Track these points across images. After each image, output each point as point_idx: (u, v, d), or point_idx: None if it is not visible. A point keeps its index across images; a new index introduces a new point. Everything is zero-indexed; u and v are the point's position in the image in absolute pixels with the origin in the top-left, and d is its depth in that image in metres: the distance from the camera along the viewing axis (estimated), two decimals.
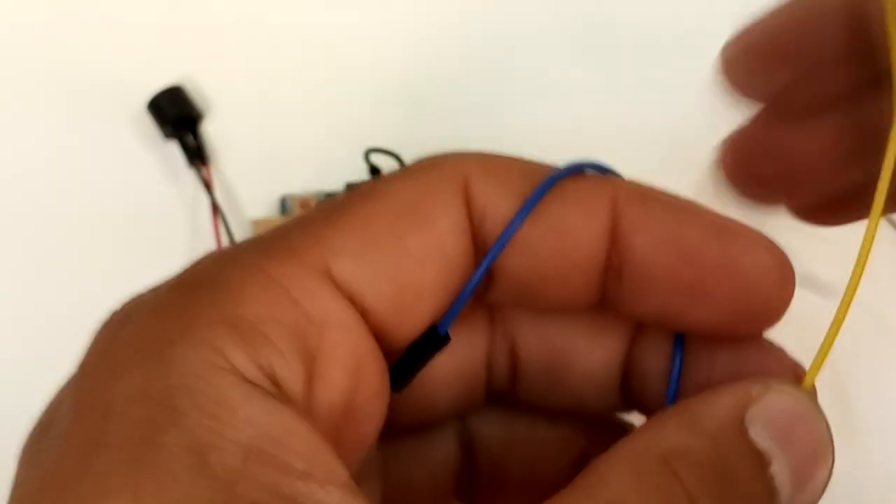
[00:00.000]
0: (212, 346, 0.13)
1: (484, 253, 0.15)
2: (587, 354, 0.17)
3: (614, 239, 0.15)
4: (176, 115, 0.37)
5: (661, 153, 0.38)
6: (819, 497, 0.15)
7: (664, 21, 0.39)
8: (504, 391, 0.18)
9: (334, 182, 0.37)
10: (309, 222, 0.15)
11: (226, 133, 0.38)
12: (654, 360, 0.17)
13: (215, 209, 0.36)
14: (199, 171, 0.37)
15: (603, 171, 0.16)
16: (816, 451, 0.14)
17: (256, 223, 0.35)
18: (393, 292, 0.14)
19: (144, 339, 0.13)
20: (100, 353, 0.14)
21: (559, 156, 0.36)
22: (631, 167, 0.18)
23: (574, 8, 0.40)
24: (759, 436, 0.14)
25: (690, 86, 0.38)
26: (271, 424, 0.13)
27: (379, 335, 0.15)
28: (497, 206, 0.15)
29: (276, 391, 0.13)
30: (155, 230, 0.37)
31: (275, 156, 0.38)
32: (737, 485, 0.14)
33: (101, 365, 0.13)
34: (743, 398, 0.14)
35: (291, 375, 0.13)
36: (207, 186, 0.37)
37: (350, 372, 0.14)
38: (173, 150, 0.38)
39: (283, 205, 0.37)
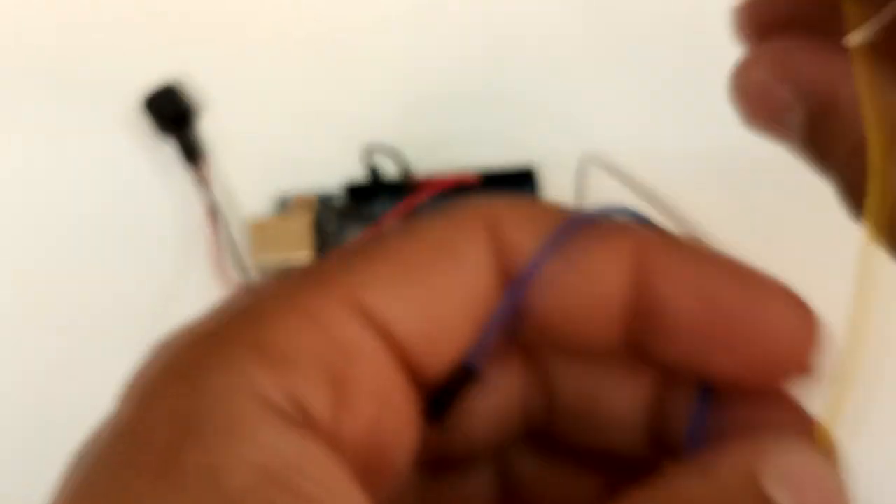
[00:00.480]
0: (239, 371, 0.13)
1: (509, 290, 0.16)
2: (616, 397, 0.17)
3: (640, 284, 0.16)
4: (172, 112, 0.37)
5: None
6: None
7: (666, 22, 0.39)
8: (540, 429, 0.18)
9: (333, 180, 0.37)
10: (342, 256, 0.15)
11: (222, 131, 0.38)
12: (681, 405, 0.17)
13: (211, 207, 0.36)
14: (195, 169, 0.37)
15: (633, 217, 0.17)
16: None
17: (253, 221, 0.35)
18: (422, 325, 0.15)
19: (178, 364, 0.14)
20: (138, 379, 0.14)
21: (558, 156, 0.36)
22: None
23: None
24: (773, 490, 0.14)
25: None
26: (290, 449, 0.13)
27: (409, 368, 0.15)
28: (524, 246, 0.16)
29: (302, 417, 0.14)
30: (150, 228, 0.37)
31: (272, 153, 0.38)
32: None
33: (138, 389, 0.14)
34: (757, 452, 0.14)
35: (318, 402, 0.14)
36: (204, 185, 0.36)
37: (378, 402, 0.15)
38: (169, 148, 0.38)
39: (281, 203, 0.36)
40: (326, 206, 0.36)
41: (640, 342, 0.16)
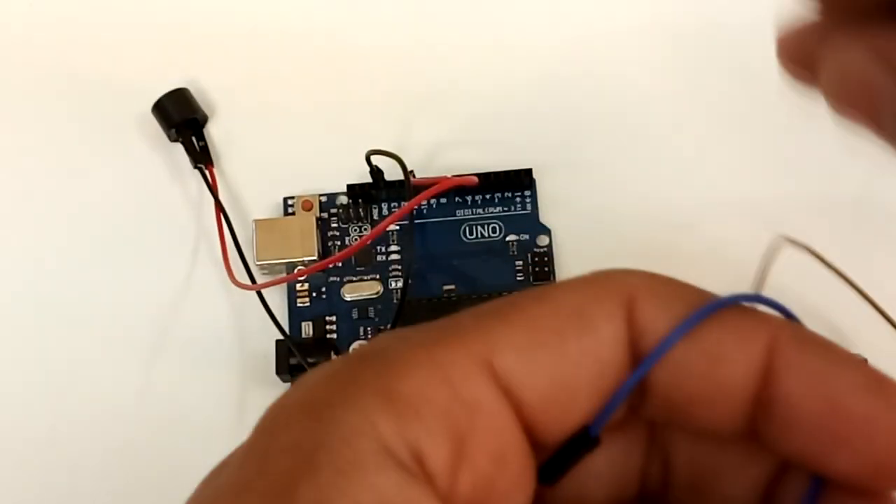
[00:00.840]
0: (364, 413, 0.14)
1: (638, 366, 0.16)
2: (732, 476, 0.17)
3: (767, 375, 0.16)
4: (181, 117, 0.38)
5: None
6: None
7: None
8: (655, 499, 0.18)
9: (336, 183, 0.37)
10: (479, 314, 0.15)
11: (230, 135, 0.39)
12: (795, 489, 0.17)
13: (219, 210, 0.36)
14: (203, 172, 0.38)
15: (771, 306, 0.16)
16: None
17: (258, 223, 0.36)
18: (548, 390, 0.15)
19: (309, 400, 0.14)
20: (272, 410, 0.15)
21: (556, 155, 0.37)
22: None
23: None
24: None
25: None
26: (399, 495, 0.13)
27: (529, 430, 0.15)
28: (657, 324, 0.16)
29: (418, 468, 0.14)
30: (160, 231, 0.38)
31: (278, 157, 0.38)
32: None
33: (269, 421, 0.15)
34: None
35: (436, 454, 0.14)
36: (212, 188, 0.37)
37: (495, 459, 0.15)
38: (178, 152, 0.38)
39: (286, 205, 0.37)
40: (330, 208, 0.37)
41: (761, 430, 0.16)
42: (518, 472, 0.15)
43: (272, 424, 0.15)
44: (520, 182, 0.37)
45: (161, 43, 0.40)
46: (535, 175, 0.37)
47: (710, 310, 0.16)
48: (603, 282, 0.16)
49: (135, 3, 0.41)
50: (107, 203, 0.38)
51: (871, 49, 0.17)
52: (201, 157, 0.38)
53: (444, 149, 0.38)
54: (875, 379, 0.16)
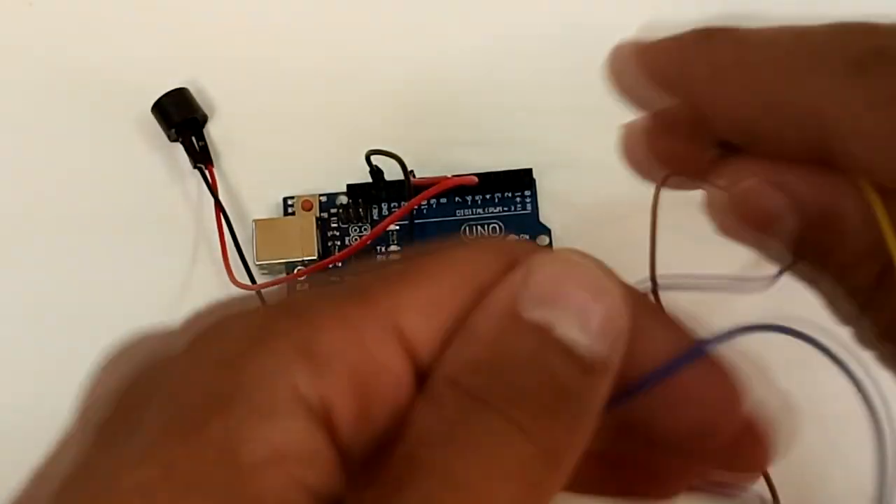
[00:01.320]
0: (281, 362, 0.14)
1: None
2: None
3: None
4: (180, 117, 0.38)
5: None
6: (620, 331, 0.15)
7: None
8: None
9: (336, 183, 0.37)
10: (385, 276, 0.16)
11: (230, 135, 0.39)
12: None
13: (219, 210, 0.36)
14: (203, 172, 0.38)
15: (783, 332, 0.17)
16: (591, 291, 0.15)
17: (258, 223, 0.36)
18: (440, 350, 0.16)
19: (228, 347, 0.15)
20: (195, 344, 0.15)
21: (555, 155, 0.37)
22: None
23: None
24: (531, 312, 0.15)
25: None
26: (307, 440, 0.14)
27: (420, 378, 0.16)
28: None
29: (326, 419, 0.15)
30: (160, 231, 0.38)
31: (277, 157, 0.39)
32: (525, 367, 0.15)
33: (192, 355, 0.15)
34: (510, 289, 0.15)
35: (343, 409, 0.15)
36: (212, 188, 0.37)
37: (392, 416, 0.15)
38: (178, 151, 0.38)
39: (286, 205, 0.37)
40: (330, 208, 0.37)
41: None
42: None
43: (192, 360, 0.15)
44: (520, 182, 0.37)
45: (161, 43, 0.40)
46: (535, 175, 0.37)
47: (697, 353, 0.16)
48: (489, 248, 0.17)
49: (135, 4, 0.41)
50: (107, 203, 0.38)
51: (766, 174, 0.18)
52: (201, 157, 0.38)
53: (444, 149, 0.38)
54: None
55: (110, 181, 0.38)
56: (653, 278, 0.18)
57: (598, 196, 0.37)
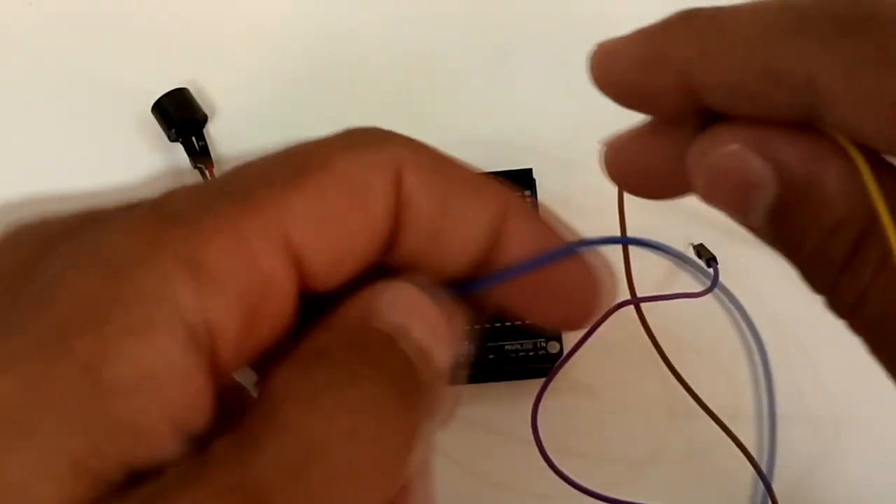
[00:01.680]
0: (166, 278, 0.14)
1: (397, 233, 0.17)
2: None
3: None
4: (181, 117, 0.38)
5: None
6: (454, 357, 0.17)
7: None
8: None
9: None
10: (270, 178, 0.16)
11: (230, 135, 0.39)
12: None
13: None
14: (203, 172, 0.38)
15: (638, 244, 0.18)
16: (434, 323, 0.16)
17: None
18: (330, 256, 0.16)
19: (109, 255, 0.14)
20: (66, 253, 0.15)
21: (555, 155, 0.37)
22: None
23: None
24: (384, 320, 0.16)
25: None
26: (179, 361, 0.14)
27: (305, 288, 0.16)
28: (420, 204, 0.17)
29: (206, 339, 0.14)
30: None
31: None
32: (389, 349, 0.16)
33: (66, 262, 0.15)
34: (371, 295, 0.16)
35: (227, 328, 0.14)
36: None
37: (276, 328, 0.16)
38: (178, 151, 0.38)
39: None
40: None
41: None
42: (289, 332, 0.16)
43: (67, 268, 0.14)
44: (520, 182, 0.37)
45: (161, 43, 0.40)
46: (535, 175, 0.37)
47: (573, 248, 0.18)
48: (377, 153, 0.17)
49: (135, 4, 0.41)
50: (107, 203, 0.38)
51: (749, 141, 0.18)
52: (201, 157, 0.38)
53: (444, 149, 0.38)
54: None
55: (110, 181, 0.38)
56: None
57: (598, 196, 0.37)
